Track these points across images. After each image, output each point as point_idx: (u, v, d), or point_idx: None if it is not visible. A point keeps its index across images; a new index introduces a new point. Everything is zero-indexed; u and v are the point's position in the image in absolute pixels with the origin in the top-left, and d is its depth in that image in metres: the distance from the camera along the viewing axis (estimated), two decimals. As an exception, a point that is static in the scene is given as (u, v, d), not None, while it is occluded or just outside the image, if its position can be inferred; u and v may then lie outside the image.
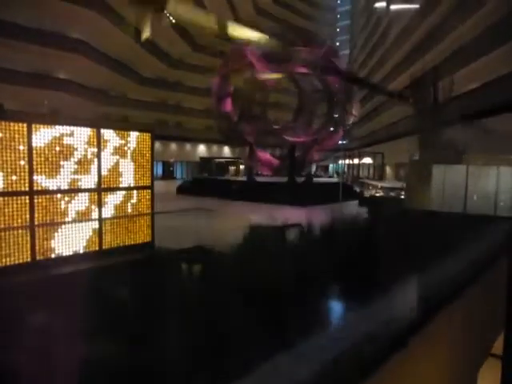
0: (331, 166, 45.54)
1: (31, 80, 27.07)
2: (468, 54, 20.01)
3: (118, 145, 7.43)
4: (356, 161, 33.06)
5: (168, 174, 43.39)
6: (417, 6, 27.69)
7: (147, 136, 8.06)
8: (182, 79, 43.26)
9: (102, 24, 27.62)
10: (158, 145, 39.35)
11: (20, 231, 6.26)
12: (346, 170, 36.81)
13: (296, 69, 18.18)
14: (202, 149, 43.48)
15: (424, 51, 26.38)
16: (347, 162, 39.08)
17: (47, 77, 28.35)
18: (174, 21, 35.66)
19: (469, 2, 19.70)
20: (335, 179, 23.95)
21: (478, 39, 19.43)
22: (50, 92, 28.26)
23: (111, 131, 7.35)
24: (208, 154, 43.26)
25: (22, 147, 6.20)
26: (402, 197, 15.03)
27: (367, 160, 29.63)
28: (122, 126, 7.78)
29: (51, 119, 6.58)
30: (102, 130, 7.20)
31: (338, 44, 69.22)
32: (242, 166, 31.62)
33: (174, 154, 41.68)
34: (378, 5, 38.13)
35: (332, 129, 19.56)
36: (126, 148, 7.58)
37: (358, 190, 22.10)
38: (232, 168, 34.81)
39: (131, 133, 7.69)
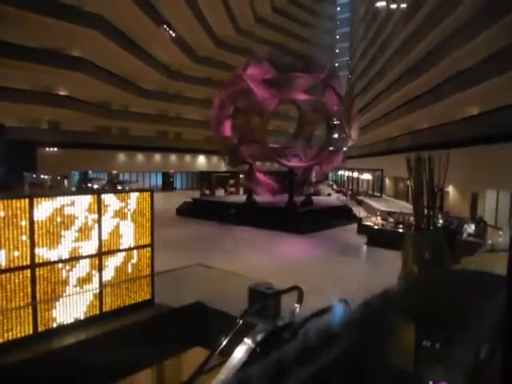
0: (330, 174, 45.71)
1: (32, 97, 27.15)
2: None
3: (118, 208, 7.53)
4: (356, 174, 33.16)
5: (168, 185, 43.50)
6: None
7: (147, 195, 8.15)
8: (181, 91, 43.36)
9: (102, 42, 27.74)
10: (157, 156, 39.51)
11: (22, 305, 6.36)
12: (345, 182, 36.93)
13: (296, 95, 18.28)
14: (201, 160, 43.58)
15: (424, 67, 26.47)
16: (346, 174, 39.24)
17: (48, 94, 28.44)
18: (174, 35, 36.02)
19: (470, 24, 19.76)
20: (334, 199, 23.97)
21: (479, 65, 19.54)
22: (50, 109, 28.41)
23: (111, 195, 7.45)
24: (208, 165, 43.37)
25: (23, 223, 6.30)
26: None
27: (367, 176, 29.74)
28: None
29: (52, 192, 6.70)
30: (103, 196, 7.30)
31: (337, 51, 69.43)
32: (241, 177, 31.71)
33: (174, 165, 41.76)
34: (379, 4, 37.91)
35: (331, 152, 19.68)
36: (126, 210, 7.68)
37: (356, 211, 22.21)
38: (231, 182, 34.91)
39: (131, 194, 7.79)
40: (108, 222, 7.38)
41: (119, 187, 25.11)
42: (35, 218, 6.41)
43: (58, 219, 6.68)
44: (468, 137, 19.02)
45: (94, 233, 7.19)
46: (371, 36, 44.39)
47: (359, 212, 20.53)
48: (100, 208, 7.22)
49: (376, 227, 15.03)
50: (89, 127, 35.26)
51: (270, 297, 7.28)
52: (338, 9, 68.21)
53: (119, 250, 7.61)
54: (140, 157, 37.56)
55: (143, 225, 8.06)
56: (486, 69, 18.10)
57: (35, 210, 6.40)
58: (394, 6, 33.85)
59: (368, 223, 17.07)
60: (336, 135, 19.50)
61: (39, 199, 6.46)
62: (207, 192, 34.62)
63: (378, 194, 29.18)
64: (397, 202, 25.34)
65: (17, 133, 26.69)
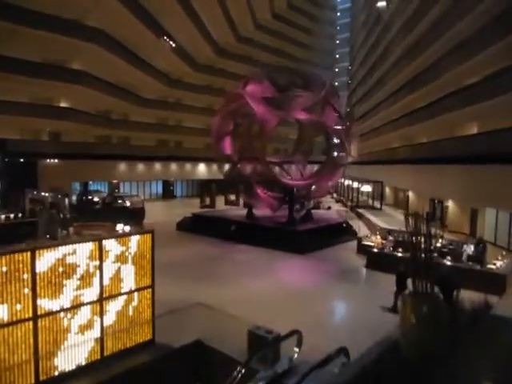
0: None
1: (33, 110, 27.24)
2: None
3: (119, 252, 7.60)
4: (356, 184, 33.22)
5: (168, 193, 43.60)
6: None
7: (148, 237, 8.22)
8: (181, 99, 43.44)
9: (103, 55, 27.86)
10: (158, 165, 39.58)
11: (24, 357, 6.42)
12: (345, 190, 36.91)
13: (296, 115, 18.36)
14: (202, 168, 43.64)
15: (424, 81, 26.53)
16: (346, 182, 39.29)
17: (49, 106, 28.54)
18: (174, 45, 36.10)
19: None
20: (334, 213, 24.01)
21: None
22: (51, 121, 28.53)
23: (112, 240, 7.52)
24: (208, 172, 43.41)
25: (25, 276, 6.36)
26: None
27: (366, 188, 29.78)
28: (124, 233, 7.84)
29: (54, 243, 6.75)
30: (104, 241, 7.37)
31: (337, 56, 69.48)
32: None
33: (174, 173, 41.83)
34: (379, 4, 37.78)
35: (331, 169, 19.74)
36: (127, 253, 7.75)
37: (356, 227, 22.27)
38: (231, 193, 35.01)
39: (132, 237, 7.86)
40: (109, 267, 7.45)
41: (119, 201, 25.14)
42: (37, 270, 6.47)
43: (60, 269, 6.75)
44: (467, 154, 19.05)
45: (96, 279, 7.25)
46: (371, 43, 44.40)
47: (359, 228, 20.56)
48: (101, 254, 7.30)
49: (375, 250, 15.05)
50: (89, 137, 35.31)
51: (269, 343, 7.34)
52: (338, 14, 68.25)
53: (120, 294, 7.68)
54: (140, 166, 37.63)
55: (144, 266, 8.12)
56: (487, 87, 18.16)
57: (37, 262, 6.47)
58: (394, 12, 33.68)
59: (367, 243, 17.14)
60: (336, 153, 19.52)
61: (41, 251, 6.53)
62: (207, 202, 34.82)
63: (378, 206, 29.19)
64: (397, 216, 25.33)
65: (18, 145, 26.82)
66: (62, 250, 6.77)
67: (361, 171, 47.58)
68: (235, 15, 43.83)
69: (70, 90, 28.31)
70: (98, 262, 7.25)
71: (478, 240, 15.78)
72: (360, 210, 27.37)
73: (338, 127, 19.69)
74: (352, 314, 10.46)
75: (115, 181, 37.49)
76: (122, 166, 35.75)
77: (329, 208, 25.97)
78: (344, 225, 20.95)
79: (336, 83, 70.67)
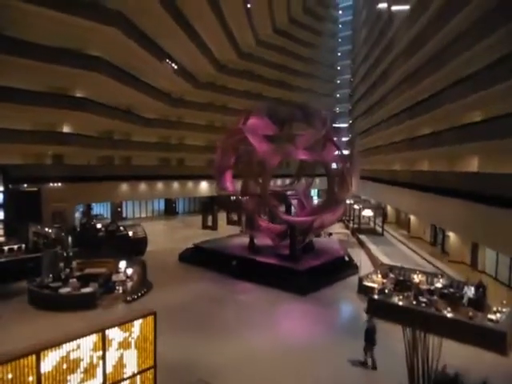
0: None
1: (35, 137, 27.52)
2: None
3: (122, 339, 7.72)
4: (357, 206, 33.28)
5: (170, 210, 43.82)
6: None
7: (150, 319, 8.33)
8: (183, 117, 43.69)
9: (105, 82, 28.13)
10: (160, 184, 39.76)
11: None
12: (347, 210, 36.83)
13: (298, 154, 18.51)
14: (204, 185, 43.81)
15: (424, 110, 26.61)
16: (348, 201, 39.28)
17: (52, 132, 28.82)
18: (176, 67, 36.34)
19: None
20: (336, 242, 24.09)
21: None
22: (54, 147, 28.82)
23: (116, 329, 7.64)
24: (210, 190, 43.49)
25: (31, 378, 6.50)
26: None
27: (368, 212, 29.88)
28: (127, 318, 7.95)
29: (58, 341, 6.87)
30: (107, 331, 7.49)
31: (339, 68, 69.60)
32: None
33: (176, 192, 42.02)
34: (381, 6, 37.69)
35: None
36: (130, 339, 7.87)
37: (357, 258, 22.33)
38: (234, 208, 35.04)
39: (135, 322, 7.98)
40: (112, 355, 7.57)
41: (121, 228, 25.28)
42: (42, 371, 6.61)
43: (64, 366, 6.88)
44: (468, 190, 19.09)
45: (99, 369, 7.38)
46: (373, 58, 44.37)
47: (360, 262, 20.65)
48: (104, 344, 7.42)
49: (376, 297, 15.10)
50: (92, 158, 35.61)
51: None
52: (340, 26, 68.41)
53: (123, 379, 7.80)
54: (143, 186, 37.83)
55: (146, 348, 8.23)
56: (487, 129, 18.24)
57: (42, 364, 6.60)
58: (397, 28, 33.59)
59: (368, 284, 17.23)
60: (337, 189, 19.61)
61: (46, 351, 6.65)
62: (210, 223, 34.99)
63: (380, 230, 29.22)
64: (398, 246, 25.35)
65: (20, 170, 27.06)
66: (66, 347, 6.90)
67: (363, 187, 47.58)
68: (236, 32, 44.04)
69: (72, 116, 28.60)
70: (101, 352, 7.37)
71: (478, 284, 15.82)
72: (361, 237, 27.42)
73: (339, 163, 19.79)
74: (351, 379, 10.55)
75: (118, 201, 37.73)
76: (125, 187, 35.95)
77: (330, 235, 26.05)
78: (346, 258, 21.04)
79: (338, 95, 71.02)
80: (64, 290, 15.51)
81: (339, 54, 68.79)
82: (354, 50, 62.27)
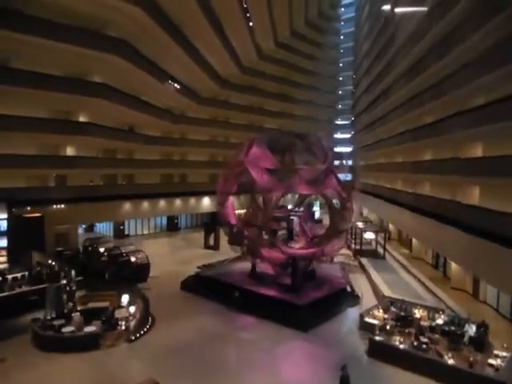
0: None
1: (41, 161, 27.82)
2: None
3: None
4: (359, 224, 33.31)
5: (172, 226, 44.03)
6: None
7: (152, 390, 8.46)
8: (185, 133, 43.94)
9: (108, 106, 28.40)
10: (162, 202, 39.96)
11: None
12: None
13: (299, 189, 18.64)
14: (206, 201, 44.01)
15: (425, 136, 26.67)
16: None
17: (55, 156, 29.11)
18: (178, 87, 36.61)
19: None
20: (337, 268, 24.15)
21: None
22: (57, 170, 29.11)
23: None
24: (212, 206, 43.67)
25: None
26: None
27: (370, 235, 29.95)
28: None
29: None
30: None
31: (340, 79, 69.75)
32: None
33: (179, 209, 42.23)
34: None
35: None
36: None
37: (358, 284, 22.40)
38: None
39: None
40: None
41: (124, 252, 25.47)
42: None
43: None
44: (468, 224, 19.11)
45: None
46: (375, 74, 44.46)
47: (361, 293, 20.72)
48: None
49: (377, 338, 15.15)
50: (95, 177, 35.87)
51: None
52: (342, 37, 68.60)
53: None
54: (145, 204, 38.03)
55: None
56: (489, 165, 18.30)
57: None
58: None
59: (369, 320, 17.27)
60: (337, 220, 19.71)
61: None
62: (211, 242, 35.15)
63: (381, 251, 29.24)
64: (400, 272, 25.33)
65: (24, 193, 27.31)
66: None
67: (365, 202, 47.67)
68: (238, 48, 44.27)
69: (75, 140, 28.86)
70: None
71: (479, 323, 15.85)
72: (363, 260, 27.46)
73: (340, 194, 19.90)
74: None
75: (121, 220, 37.97)
76: (127, 206, 36.16)
77: (332, 260, 26.09)
78: (347, 288, 21.13)
79: (339, 106, 71.19)
80: (67, 329, 15.66)
81: (341, 65, 68.95)
82: (356, 61, 62.38)
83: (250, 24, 40.96)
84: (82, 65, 25.84)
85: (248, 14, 39.15)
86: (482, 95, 19.97)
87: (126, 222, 39.67)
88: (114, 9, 23.85)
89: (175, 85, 36.14)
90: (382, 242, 30.23)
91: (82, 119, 29.02)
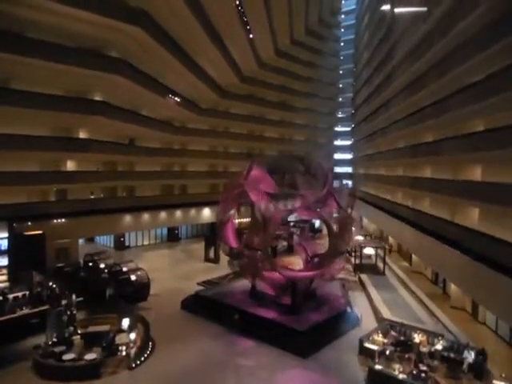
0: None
1: (43, 177, 27.98)
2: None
3: None
4: (359, 238, 33.41)
5: (173, 236, 44.12)
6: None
7: None
8: (186, 144, 44.06)
9: (109, 123, 28.52)
10: (163, 213, 40.05)
11: None
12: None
13: (299, 213, 18.73)
14: (206, 211, 44.11)
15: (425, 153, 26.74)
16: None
17: (57, 172, 29.26)
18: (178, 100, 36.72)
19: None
20: (337, 287, 24.20)
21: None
22: (59, 185, 29.24)
23: None
24: (212, 216, 43.76)
25: None
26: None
27: (369, 250, 30.03)
28: None
29: None
30: None
31: (341, 85, 69.80)
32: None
33: (179, 220, 42.32)
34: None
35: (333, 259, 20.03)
36: None
37: (358, 305, 22.46)
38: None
39: None
40: None
41: (124, 269, 25.59)
42: None
43: None
44: (468, 247, 19.17)
45: None
46: (374, 85, 44.57)
47: (361, 315, 20.80)
48: None
49: (376, 367, 15.21)
50: (95, 190, 35.99)
51: None
52: (342, 44, 68.67)
53: None
54: (146, 216, 38.12)
55: None
56: (487, 189, 18.36)
57: None
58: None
59: (369, 346, 17.33)
60: (337, 242, 19.80)
61: None
62: (211, 255, 35.24)
63: (381, 266, 29.29)
64: (400, 291, 25.34)
65: (25, 209, 27.42)
66: None
67: (365, 211, 47.67)
68: (238, 58, 44.40)
69: (77, 156, 28.98)
70: None
71: (478, 350, 15.92)
72: (363, 276, 27.53)
73: (339, 217, 19.99)
74: None
75: (121, 232, 38.09)
76: (128, 218, 36.25)
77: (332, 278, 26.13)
78: (347, 309, 21.21)
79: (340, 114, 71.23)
80: (68, 357, 15.75)
81: (341, 72, 69.05)
82: (357, 69, 62.46)
83: (251, 36, 40.99)
84: (83, 84, 25.97)
85: (248, 27, 39.20)
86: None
87: (127, 234, 39.75)
88: (114, 29, 23.97)
89: (176, 98, 36.23)
90: (382, 254, 30.30)
91: (82, 136, 29.12)
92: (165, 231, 43.95)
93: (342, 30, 68.78)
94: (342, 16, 68.43)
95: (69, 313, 18.56)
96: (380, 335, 18.14)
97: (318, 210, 18.57)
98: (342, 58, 68.75)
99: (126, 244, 39.99)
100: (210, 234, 35.83)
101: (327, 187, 19.04)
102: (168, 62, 31.07)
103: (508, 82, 16.03)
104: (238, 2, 35.61)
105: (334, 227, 19.48)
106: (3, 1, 19.41)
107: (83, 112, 25.70)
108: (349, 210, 20.24)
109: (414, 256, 32.20)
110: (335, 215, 19.58)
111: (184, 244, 43.12)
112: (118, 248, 38.79)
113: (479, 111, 19.16)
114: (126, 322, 18.39)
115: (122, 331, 17.97)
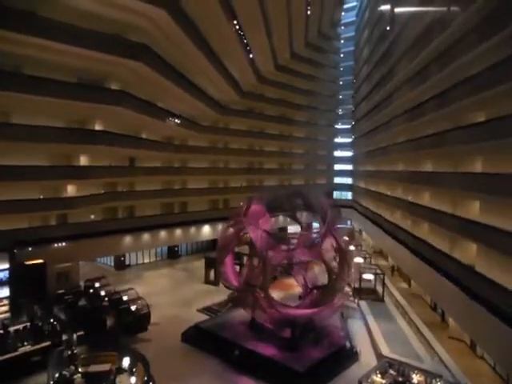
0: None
1: (44, 204, 28.15)
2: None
3: None
4: (359, 259, 33.47)
5: (173, 254, 44.30)
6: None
7: None
8: (185, 160, 44.17)
9: (107, 149, 28.67)
10: (163, 233, 40.16)
11: None
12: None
13: (298, 255, 18.86)
14: (206, 229, 44.22)
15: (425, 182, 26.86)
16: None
17: (57, 199, 29.45)
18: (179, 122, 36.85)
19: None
20: (337, 319, 24.26)
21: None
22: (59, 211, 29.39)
23: None
24: (213, 233, 43.98)
25: None
26: None
27: (368, 276, 30.12)
28: None
29: None
30: None
31: (340, 96, 69.90)
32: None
33: (179, 238, 42.42)
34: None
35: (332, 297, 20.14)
36: None
37: (358, 337, 22.56)
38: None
39: None
40: None
41: (125, 297, 25.79)
42: None
43: None
44: (467, 286, 19.25)
45: None
46: (375, 98, 44.67)
47: (360, 351, 20.92)
48: None
49: None
50: (96, 210, 36.08)
51: None
52: (342, 56, 68.74)
53: None
54: (146, 236, 38.22)
55: None
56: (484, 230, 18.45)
57: None
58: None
59: (368, 385, 17.44)
60: (335, 281, 19.92)
61: None
62: (212, 277, 35.36)
63: (381, 291, 29.35)
64: (400, 322, 25.33)
65: (25, 234, 27.57)
66: None
67: (365, 226, 47.78)
68: (238, 75, 44.53)
69: (78, 184, 29.16)
70: None
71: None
72: (362, 304, 27.61)
73: (337, 256, 20.11)
74: None
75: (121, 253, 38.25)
76: (128, 239, 36.37)
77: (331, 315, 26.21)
78: (347, 343, 21.32)
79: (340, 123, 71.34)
80: (69, 402, 15.86)
81: (341, 83, 69.18)
82: (356, 81, 62.60)
83: (250, 56, 41.13)
84: (83, 114, 26.13)
85: (248, 47, 39.34)
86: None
87: (127, 260, 39.94)
88: (115, 64, 24.14)
89: (176, 120, 36.40)
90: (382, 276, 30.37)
91: (82, 163, 29.25)
92: (165, 249, 44.10)
93: (342, 41, 68.83)
94: (342, 27, 68.47)
95: (69, 352, 18.67)
96: (379, 375, 18.22)
97: (318, 243, 18.60)
98: (341, 69, 68.82)
99: (127, 263, 40.14)
100: (211, 258, 35.87)
101: (326, 225, 19.16)
102: (168, 88, 31.24)
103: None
104: (235, 22, 35.75)
105: (334, 264, 19.61)
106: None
107: (83, 142, 25.88)
108: (348, 247, 20.45)
109: (413, 283, 32.26)
110: (333, 254, 19.71)
111: (184, 261, 43.26)
112: (118, 267, 38.95)
113: None
114: (126, 362, 18.50)
115: (122, 370, 18.08)
